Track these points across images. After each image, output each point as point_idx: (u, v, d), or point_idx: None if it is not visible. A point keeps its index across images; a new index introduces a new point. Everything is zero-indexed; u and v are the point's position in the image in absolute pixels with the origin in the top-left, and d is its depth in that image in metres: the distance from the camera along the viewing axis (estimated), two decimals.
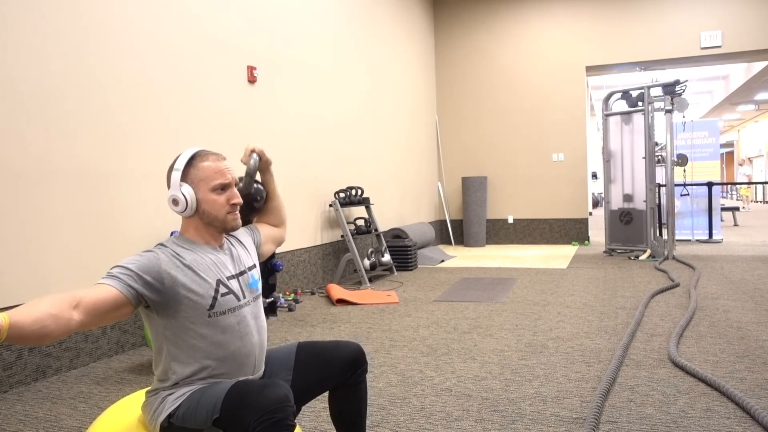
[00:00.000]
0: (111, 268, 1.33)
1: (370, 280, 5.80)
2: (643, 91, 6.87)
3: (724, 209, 11.02)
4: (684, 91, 6.65)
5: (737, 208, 11.25)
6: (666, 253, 6.76)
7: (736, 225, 11.68)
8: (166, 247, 1.43)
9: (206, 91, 4.12)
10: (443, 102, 9.25)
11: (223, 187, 1.47)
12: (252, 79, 4.60)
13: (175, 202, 1.44)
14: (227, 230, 1.50)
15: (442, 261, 7.16)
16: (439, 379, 2.69)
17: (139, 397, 1.58)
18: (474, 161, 9.15)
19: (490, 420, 2.21)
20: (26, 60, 2.89)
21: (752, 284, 4.87)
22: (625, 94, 7.10)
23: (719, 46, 8.00)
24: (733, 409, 2.22)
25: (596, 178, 19.87)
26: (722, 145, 32.12)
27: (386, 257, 6.04)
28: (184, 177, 1.45)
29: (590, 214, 16.40)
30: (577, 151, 8.66)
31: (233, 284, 1.48)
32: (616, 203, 7.24)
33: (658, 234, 8.20)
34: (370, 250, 5.87)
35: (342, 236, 5.77)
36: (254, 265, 1.61)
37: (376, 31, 7.06)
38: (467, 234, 8.83)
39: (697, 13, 8.08)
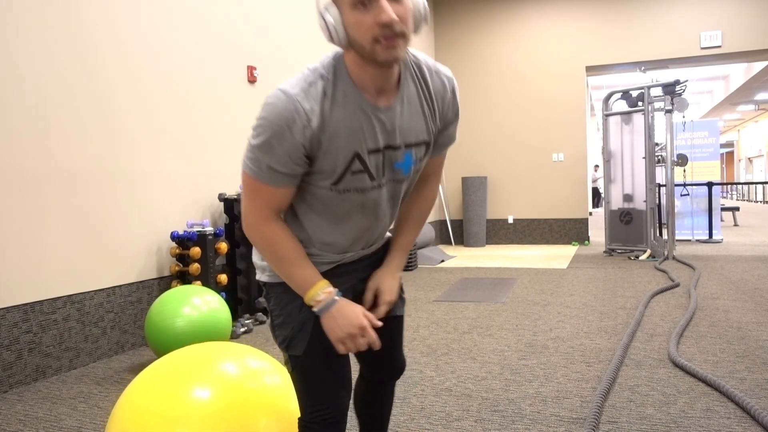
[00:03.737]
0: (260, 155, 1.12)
1: None
2: (643, 91, 6.87)
3: (724, 209, 11.02)
4: (684, 91, 6.65)
5: (737, 208, 11.25)
6: (666, 253, 6.76)
7: (736, 225, 11.68)
8: (324, 81, 1.13)
9: (206, 91, 4.12)
10: None
11: (363, 1, 1.05)
12: (252, 79, 4.60)
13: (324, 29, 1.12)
14: (381, 64, 1.08)
15: (442, 261, 7.16)
16: (439, 379, 2.69)
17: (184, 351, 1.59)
18: (474, 161, 9.15)
19: (490, 420, 2.21)
20: (27, 60, 2.89)
21: (752, 284, 4.87)
22: (625, 94, 7.10)
23: (719, 46, 8.00)
24: (733, 409, 2.22)
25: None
26: (722, 145, 32.15)
27: None
28: None
29: (590, 214, 16.40)
30: (577, 151, 8.66)
31: (372, 160, 1.18)
32: (616, 203, 7.24)
33: (658, 234, 8.20)
34: None
35: None
36: (423, 143, 1.24)
37: None
38: (467, 234, 8.83)
39: (697, 13, 8.08)
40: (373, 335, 1.23)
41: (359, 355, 1.48)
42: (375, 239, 1.35)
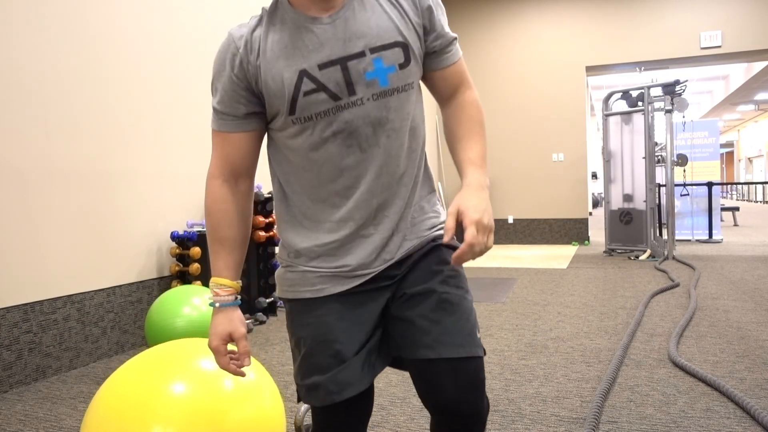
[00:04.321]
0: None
1: None
2: (643, 91, 6.87)
3: (724, 209, 11.02)
4: (684, 91, 6.65)
5: (737, 208, 11.25)
6: (666, 253, 6.76)
7: (736, 225, 11.68)
8: (262, 12, 1.10)
9: (207, 91, 4.12)
10: None
11: None
12: None
13: None
14: None
15: None
16: None
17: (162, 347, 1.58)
18: None
19: (490, 420, 2.21)
20: (27, 60, 2.89)
21: (752, 284, 4.87)
22: (625, 94, 7.10)
23: (719, 46, 8.00)
24: (733, 409, 2.22)
25: (596, 178, 19.87)
26: (722, 145, 32.16)
27: None
28: None
29: (590, 214, 16.41)
30: (577, 151, 8.66)
31: (327, 75, 1.02)
32: (616, 203, 7.24)
33: (658, 234, 8.20)
34: None
35: None
36: (395, 44, 1.05)
37: None
38: None
39: (697, 13, 8.08)
40: (223, 363, 1.09)
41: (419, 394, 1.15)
42: (382, 201, 1.09)
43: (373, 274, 1.11)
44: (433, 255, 1.13)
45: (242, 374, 1.10)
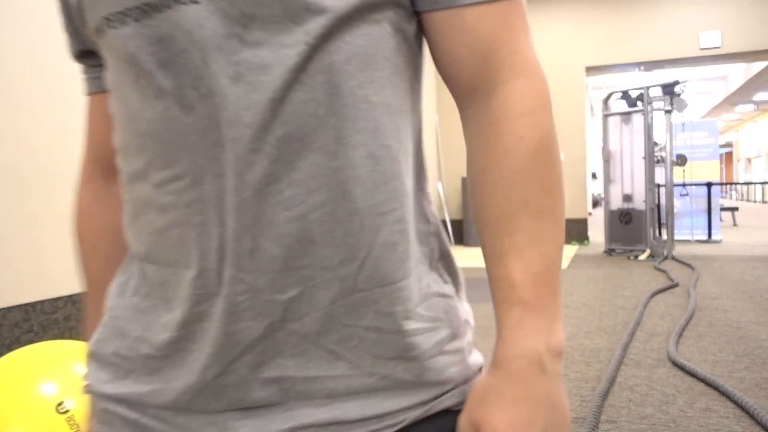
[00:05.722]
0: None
1: None
2: (642, 91, 6.88)
3: (723, 209, 11.04)
4: (684, 91, 6.66)
5: (736, 208, 11.27)
6: (665, 253, 6.77)
7: (735, 225, 11.70)
8: None
9: None
10: (443, 102, 9.26)
11: None
12: None
13: None
14: None
15: None
16: None
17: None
18: None
19: None
20: (27, 59, 2.89)
21: (751, 284, 4.88)
22: (625, 95, 7.11)
23: (719, 47, 8.01)
24: (732, 409, 2.23)
25: (596, 178, 19.89)
26: (721, 146, 32.21)
27: None
28: None
29: (590, 214, 16.43)
30: (577, 151, 8.67)
31: None
32: (616, 203, 7.25)
33: (657, 234, 8.21)
34: None
35: None
36: None
37: None
38: (467, 234, 8.85)
39: (697, 14, 8.09)
40: None
41: None
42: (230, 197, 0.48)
43: None
44: None
45: None
